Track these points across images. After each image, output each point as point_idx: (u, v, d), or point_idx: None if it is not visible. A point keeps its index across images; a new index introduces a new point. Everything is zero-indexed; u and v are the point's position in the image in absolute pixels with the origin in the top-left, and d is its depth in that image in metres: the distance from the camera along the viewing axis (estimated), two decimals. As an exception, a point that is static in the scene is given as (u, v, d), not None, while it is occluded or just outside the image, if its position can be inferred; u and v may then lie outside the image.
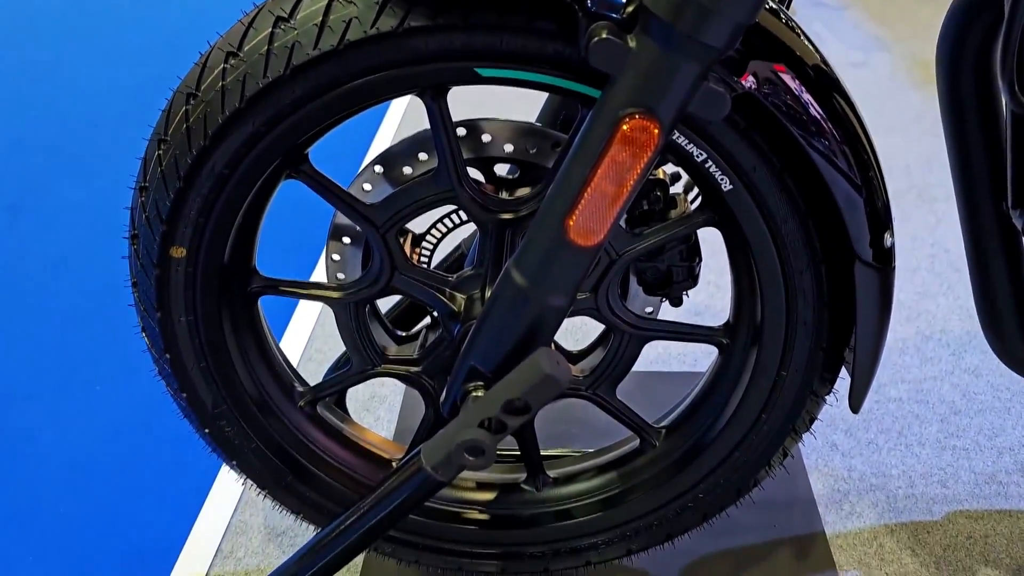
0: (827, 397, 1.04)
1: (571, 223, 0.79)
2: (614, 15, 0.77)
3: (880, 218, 0.89)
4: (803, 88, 0.86)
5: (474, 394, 0.88)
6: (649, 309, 1.11)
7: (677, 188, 1.08)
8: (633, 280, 1.07)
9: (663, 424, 1.12)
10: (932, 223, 2.04)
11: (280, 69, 0.85)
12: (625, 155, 0.76)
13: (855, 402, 1.00)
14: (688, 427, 1.10)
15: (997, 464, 1.44)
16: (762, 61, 0.84)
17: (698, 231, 1.01)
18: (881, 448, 1.48)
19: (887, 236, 0.90)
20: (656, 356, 1.68)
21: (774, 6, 0.88)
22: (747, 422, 1.04)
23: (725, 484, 1.08)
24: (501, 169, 1.04)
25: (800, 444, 1.47)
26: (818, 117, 0.86)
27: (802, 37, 0.88)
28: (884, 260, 0.91)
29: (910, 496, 1.39)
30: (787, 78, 0.85)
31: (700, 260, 1.04)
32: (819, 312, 0.95)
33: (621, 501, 1.11)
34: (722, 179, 0.88)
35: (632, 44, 0.74)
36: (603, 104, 0.77)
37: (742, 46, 0.83)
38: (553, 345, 1.15)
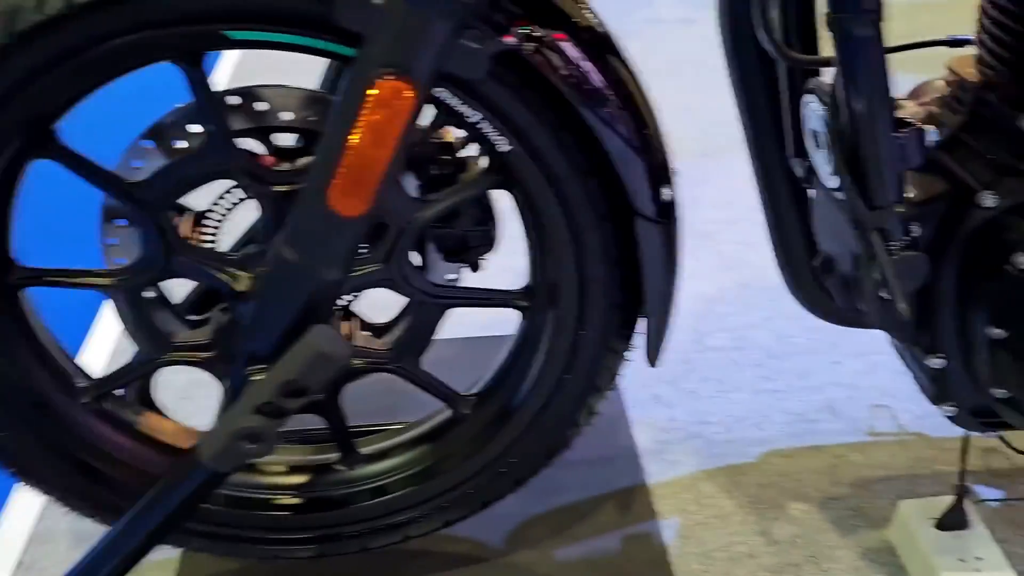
0: (627, 352, 1.05)
1: (333, 192, 0.76)
2: (362, -30, 0.73)
3: (658, 174, 0.90)
4: (582, 54, 0.85)
5: (252, 379, 0.84)
6: (452, 276, 1.09)
7: (472, 151, 1.06)
8: (433, 247, 1.04)
9: (473, 392, 1.11)
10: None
11: (4, 38, 0.77)
12: (381, 118, 0.73)
13: (651, 356, 1.01)
14: (497, 393, 1.09)
15: (807, 403, 1.51)
16: (539, 27, 0.83)
17: (491, 193, 0.99)
18: (701, 396, 1.53)
19: (665, 191, 0.90)
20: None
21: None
22: (551, 383, 1.04)
23: (536, 446, 1.08)
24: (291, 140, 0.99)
25: (624, 398, 1.52)
26: (591, 79, 0.85)
27: (582, 6, 0.88)
28: (664, 215, 0.92)
29: (728, 441, 1.44)
30: (566, 45, 0.84)
31: (495, 223, 1.02)
32: (610, 269, 0.95)
33: (436, 473, 1.09)
34: (498, 140, 0.86)
35: (380, 1, 0.71)
36: (356, 65, 0.73)
37: (520, 9, 0.82)
38: (359, 320, 1.12)
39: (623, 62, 0.90)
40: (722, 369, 1.58)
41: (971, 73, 0.93)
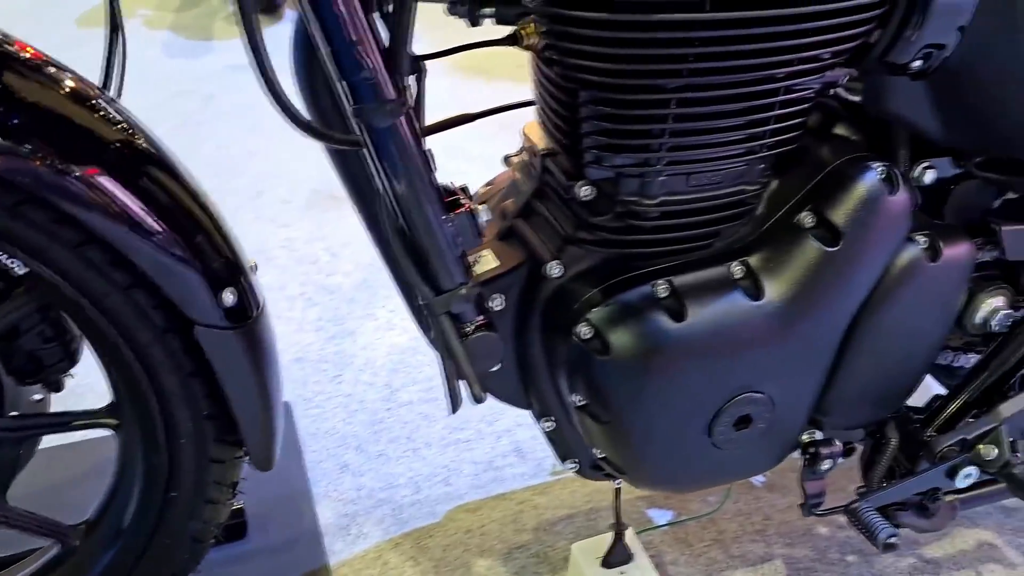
0: (241, 458, 0.98)
1: None
2: None
3: (217, 279, 0.83)
4: (112, 181, 0.78)
5: None
6: (38, 397, 0.98)
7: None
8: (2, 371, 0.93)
9: (84, 520, 1.00)
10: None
11: None
12: None
13: (259, 462, 0.95)
14: (106, 518, 0.99)
15: (495, 450, 1.51)
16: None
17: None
18: (391, 458, 1.49)
19: (227, 295, 0.84)
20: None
21: (98, 102, 0.80)
22: (158, 502, 0.95)
23: (157, 570, 0.99)
24: None
25: (309, 474, 1.45)
26: (116, 201, 0.78)
27: (125, 125, 0.81)
28: (235, 318, 0.86)
29: (416, 502, 1.41)
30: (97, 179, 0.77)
31: (72, 337, 0.92)
32: (186, 381, 0.88)
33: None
34: (11, 263, 0.77)
35: None
36: None
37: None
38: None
39: (171, 172, 0.83)
40: (412, 425, 1.55)
41: (540, 139, 0.94)
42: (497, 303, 0.91)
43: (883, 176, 0.87)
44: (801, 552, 1.34)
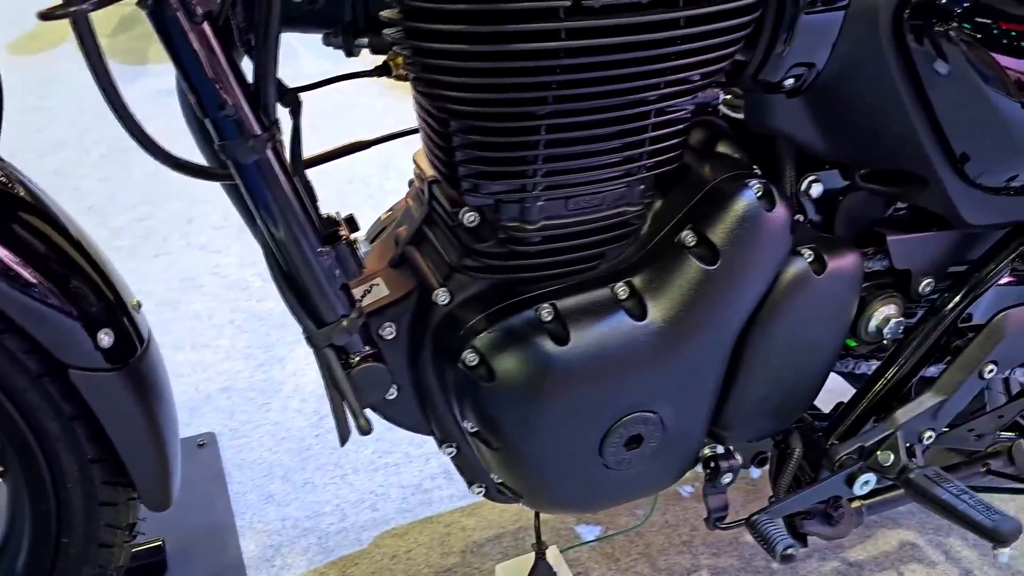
0: (135, 500, 0.96)
1: None
2: None
3: (92, 321, 0.82)
4: None
5: None
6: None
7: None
8: None
9: (-23, 569, 0.98)
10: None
11: None
12: None
13: (152, 503, 0.94)
14: (1, 566, 0.97)
15: (423, 473, 1.50)
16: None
17: None
18: (317, 486, 1.47)
19: (103, 336, 0.83)
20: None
21: None
22: (50, 549, 0.93)
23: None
24: None
25: (233, 506, 1.44)
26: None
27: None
28: (114, 359, 0.85)
29: (341, 530, 1.40)
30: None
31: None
32: (68, 425, 0.86)
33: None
34: None
35: None
36: None
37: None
38: None
39: (40, 214, 0.82)
40: (340, 451, 1.54)
41: (427, 165, 0.94)
42: (388, 332, 0.91)
43: (759, 193, 0.87)
44: (727, 562, 1.35)
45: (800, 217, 0.97)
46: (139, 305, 0.90)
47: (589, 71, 0.76)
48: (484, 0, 0.71)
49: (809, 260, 0.92)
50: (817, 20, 0.83)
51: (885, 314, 1.01)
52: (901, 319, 1.01)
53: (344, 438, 0.92)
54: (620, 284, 0.87)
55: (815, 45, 0.85)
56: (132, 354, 0.86)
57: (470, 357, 0.85)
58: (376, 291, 0.94)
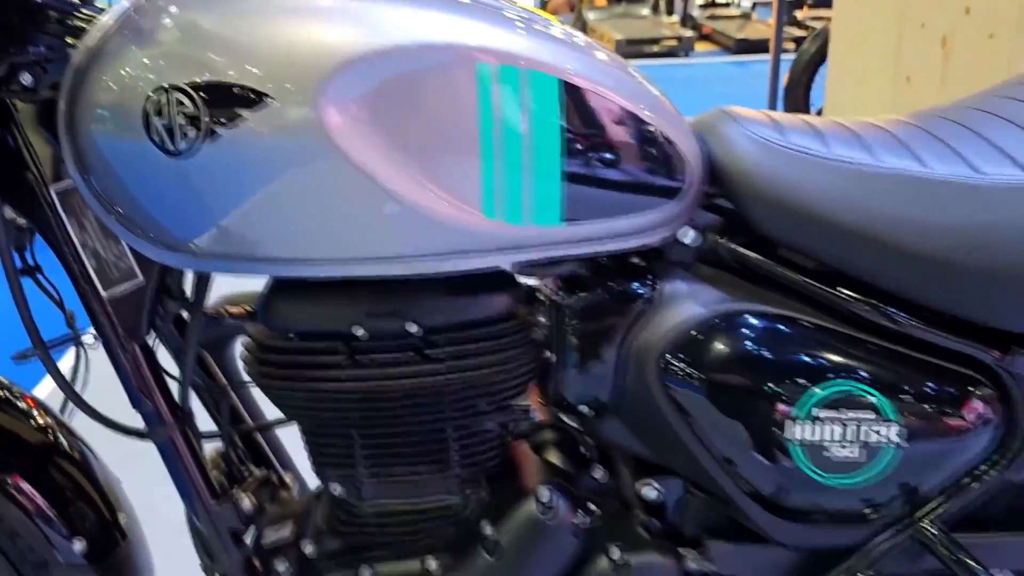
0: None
1: None
2: None
3: (66, 530, 1.17)
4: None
5: None
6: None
7: None
8: None
9: None
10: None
11: None
12: None
13: None
14: None
15: None
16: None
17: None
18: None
19: (77, 543, 1.15)
20: None
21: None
22: None
23: None
24: None
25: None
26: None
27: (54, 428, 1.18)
28: (95, 559, 1.19)
29: None
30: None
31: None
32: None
33: None
34: None
35: None
36: None
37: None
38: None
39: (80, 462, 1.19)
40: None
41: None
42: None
43: (546, 503, 1.02)
44: None
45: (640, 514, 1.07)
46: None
47: (378, 404, 1.01)
48: (287, 351, 1.00)
49: (613, 558, 1.04)
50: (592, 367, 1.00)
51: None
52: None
53: None
54: (431, 558, 1.06)
55: (593, 387, 1.02)
56: (115, 552, 1.19)
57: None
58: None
